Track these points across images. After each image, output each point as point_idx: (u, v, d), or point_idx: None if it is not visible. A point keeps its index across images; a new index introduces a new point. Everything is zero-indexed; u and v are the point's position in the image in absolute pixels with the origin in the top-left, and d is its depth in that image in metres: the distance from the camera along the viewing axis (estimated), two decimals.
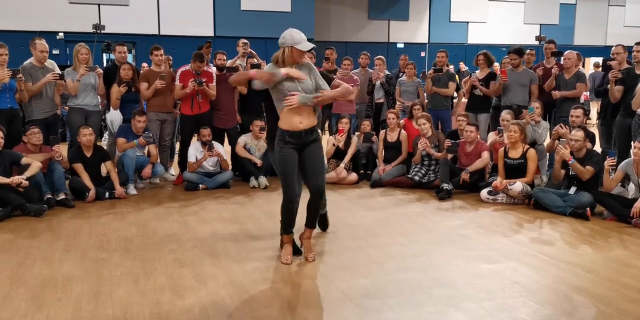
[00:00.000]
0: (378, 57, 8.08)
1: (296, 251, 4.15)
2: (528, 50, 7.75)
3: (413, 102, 7.52)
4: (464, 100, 7.83)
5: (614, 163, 5.34)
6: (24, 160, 5.44)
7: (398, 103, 7.83)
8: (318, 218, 4.28)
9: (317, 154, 4.01)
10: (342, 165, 6.87)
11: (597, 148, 6.34)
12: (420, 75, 8.00)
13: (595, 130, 6.84)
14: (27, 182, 5.23)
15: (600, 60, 12.48)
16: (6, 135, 5.44)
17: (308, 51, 3.89)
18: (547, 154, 6.70)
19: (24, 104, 6.25)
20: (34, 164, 5.44)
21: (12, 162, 5.43)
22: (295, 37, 3.80)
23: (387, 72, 8.11)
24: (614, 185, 5.44)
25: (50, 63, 6.72)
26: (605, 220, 5.25)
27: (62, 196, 5.70)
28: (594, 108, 11.47)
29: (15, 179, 5.19)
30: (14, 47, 6.91)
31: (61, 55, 12.55)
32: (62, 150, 5.97)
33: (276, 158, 4.06)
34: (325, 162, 6.90)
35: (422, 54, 17.23)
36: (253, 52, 7.57)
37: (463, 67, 14.54)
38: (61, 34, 12.83)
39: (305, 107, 3.88)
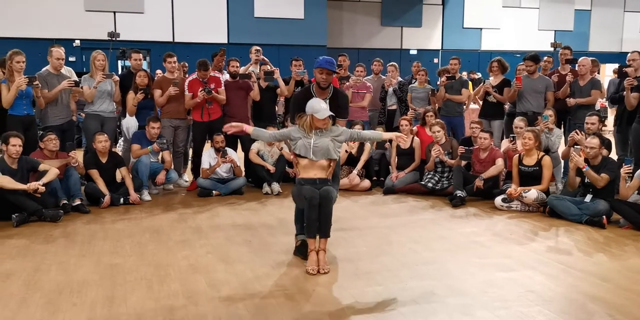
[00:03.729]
0: (391, 63, 8.09)
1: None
2: (545, 57, 7.70)
3: (426, 109, 7.51)
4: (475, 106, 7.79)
5: (631, 170, 5.27)
6: (42, 167, 5.51)
7: (411, 111, 7.81)
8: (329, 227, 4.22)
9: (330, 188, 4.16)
10: (354, 171, 6.86)
11: (614, 155, 6.28)
12: (437, 74, 7.97)
13: (611, 137, 6.77)
14: (43, 188, 5.29)
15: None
16: (23, 142, 5.51)
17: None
18: (562, 161, 6.64)
19: (39, 110, 6.33)
20: (52, 170, 5.50)
21: (30, 169, 5.50)
22: (314, 107, 4.06)
23: (399, 78, 8.11)
24: (630, 193, 5.37)
25: (68, 70, 6.81)
26: (621, 228, 5.19)
27: (77, 202, 5.75)
28: (611, 115, 11.35)
29: (32, 185, 5.24)
30: (31, 54, 7.00)
31: (77, 63, 12.70)
32: (78, 156, 6.03)
33: (294, 193, 4.25)
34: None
35: (435, 60, 17.21)
36: (265, 59, 7.60)
37: (475, 75, 14.41)
38: (77, 42, 12.99)
39: (321, 164, 4.14)
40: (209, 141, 6.87)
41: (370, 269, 4.07)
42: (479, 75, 13.56)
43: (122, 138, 7.45)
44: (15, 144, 5.33)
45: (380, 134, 4.57)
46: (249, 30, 14.06)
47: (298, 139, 4.14)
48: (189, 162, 7.42)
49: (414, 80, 8.42)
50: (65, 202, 5.63)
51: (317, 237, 4.09)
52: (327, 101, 4.26)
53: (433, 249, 4.57)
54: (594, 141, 5.44)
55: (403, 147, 6.67)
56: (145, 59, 13.39)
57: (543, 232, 5.11)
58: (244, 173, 6.95)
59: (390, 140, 7.20)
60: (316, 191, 4.04)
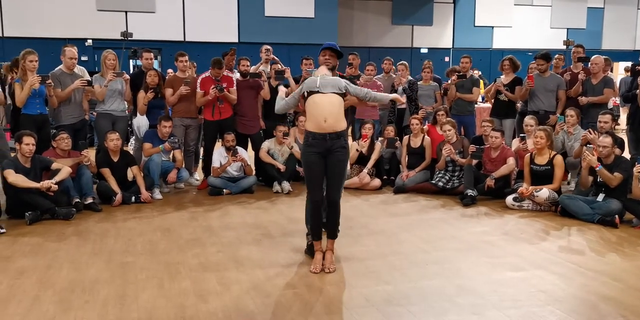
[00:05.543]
0: (401, 62, 8.07)
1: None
2: (557, 55, 7.64)
3: (436, 108, 7.48)
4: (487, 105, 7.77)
5: None
6: (54, 166, 5.56)
7: (421, 110, 7.78)
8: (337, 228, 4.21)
9: (340, 166, 4.01)
10: (365, 170, 6.85)
11: (627, 154, 6.22)
12: (446, 74, 7.95)
13: (624, 136, 6.71)
14: (56, 187, 5.33)
15: (629, 64, 12.23)
16: (36, 141, 5.57)
17: None
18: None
19: (52, 109, 6.39)
20: (64, 169, 5.55)
21: (43, 168, 5.55)
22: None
23: (409, 77, 8.09)
24: None
25: (81, 70, 6.87)
26: (634, 228, 5.15)
27: (89, 200, 5.80)
28: (624, 113, 11.26)
29: (45, 183, 5.29)
30: (44, 54, 7.07)
31: (89, 62, 12.81)
32: (90, 155, 6.08)
33: (302, 163, 4.14)
34: (349, 168, 6.91)
35: (446, 59, 17.14)
36: (276, 58, 7.61)
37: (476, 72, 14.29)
38: (90, 41, 13.10)
39: (332, 108, 3.92)
40: (220, 140, 6.89)
41: (380, 268, 4.07)
42: (478, 73, 13.48)
43: (134, 137, 7.50)
44: (29, 143, 5.38)
45: (385, 95, 4.54)
46: (259, 30, 14.09)
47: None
48: (200, 161, 7.45)
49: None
50: (77, 200, 5.68)
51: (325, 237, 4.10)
52: None
53: (443, 248, 4.56)
54: (607, 140, 5.39)
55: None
56: (156, 58, 13.46)
57: (555, 232, 5.08)
58: (254, 172, 6.97)
59: (401, 139, 7.23)
60: (320, 194, 3.97)
